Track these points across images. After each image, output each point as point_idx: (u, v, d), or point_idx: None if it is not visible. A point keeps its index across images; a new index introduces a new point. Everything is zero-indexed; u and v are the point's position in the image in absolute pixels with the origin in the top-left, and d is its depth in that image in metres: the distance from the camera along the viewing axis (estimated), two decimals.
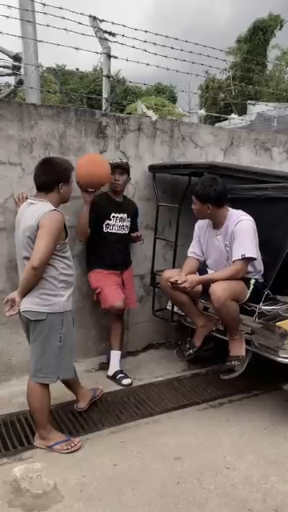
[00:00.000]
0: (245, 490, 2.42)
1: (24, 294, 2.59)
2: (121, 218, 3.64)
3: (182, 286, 3.11)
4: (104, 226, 3.58)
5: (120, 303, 3.49)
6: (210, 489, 2.42)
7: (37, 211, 2.55)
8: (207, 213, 3.14)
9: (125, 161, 3.66)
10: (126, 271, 3.78)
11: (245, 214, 3.13)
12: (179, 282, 3.12)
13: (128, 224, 3.69)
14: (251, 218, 3.11)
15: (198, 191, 3.08)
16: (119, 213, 3.63)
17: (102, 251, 3.58)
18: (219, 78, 16.37)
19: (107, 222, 3.59)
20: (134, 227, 3.78)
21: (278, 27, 18.64)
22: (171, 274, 3.29)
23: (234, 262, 3.05)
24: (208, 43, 4.50)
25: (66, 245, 2.68)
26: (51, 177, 2.64)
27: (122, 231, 3.66)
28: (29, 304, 2.59)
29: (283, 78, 18.10)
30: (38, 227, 2.50)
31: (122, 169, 3.56)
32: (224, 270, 3.12)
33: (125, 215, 3.66)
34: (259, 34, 18.37)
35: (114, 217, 3.60)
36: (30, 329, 2.67)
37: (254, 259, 3.08)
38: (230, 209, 3.18)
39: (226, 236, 3.16)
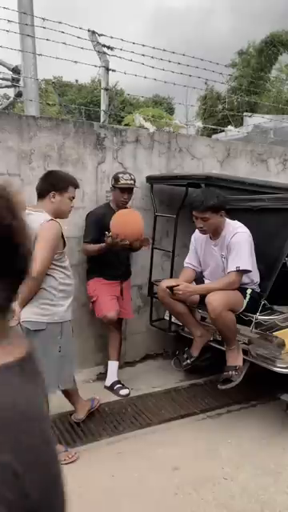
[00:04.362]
0: (243, 501, 2.41)
1: (24, 305, 2.60)
2: None
3: (178, 291, 3.11)
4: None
5: (113, 314, 3.48)
6: (208, 500, 2.41)
7: (33, 222, 2.56)
8: (220, 221, 3.11)
9: (132, 177, 3.59)
10: (126, 281, 3.79)
11: (242, 225, 3.16)
12: (178, 288, 3.13)
13: None
14: (247, 230, 3.13)
15: (215, 204, 3.01)
16: None
17: (104, 261, 3.57)
18: (218, 89, 16.53)
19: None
20: None
21: None
22: (169, 284, 3.30)
23: (228, 273, 3.08)
24: (207, 55, 4.57)
25: (65, 254, 2.70)
26: (44, 184, 2.67)
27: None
28: (29, 314, 2.60)
29: (282, 89, 18.23)
30: (35, 238, 2.52)
31: (131, 189, 3.58)
32: (219, 280, 3.15)
33: None
34: (277, 46, 18.33)
35: None
36: (29, 339, 2.67)
37: (249, 271, 3.10)
38: (227, 219, 3.22)
39: (222, 247, 3.18)
